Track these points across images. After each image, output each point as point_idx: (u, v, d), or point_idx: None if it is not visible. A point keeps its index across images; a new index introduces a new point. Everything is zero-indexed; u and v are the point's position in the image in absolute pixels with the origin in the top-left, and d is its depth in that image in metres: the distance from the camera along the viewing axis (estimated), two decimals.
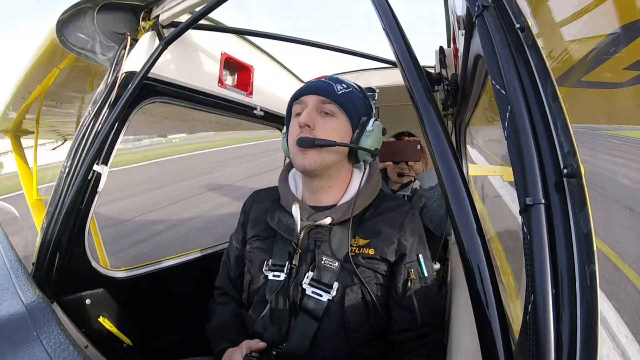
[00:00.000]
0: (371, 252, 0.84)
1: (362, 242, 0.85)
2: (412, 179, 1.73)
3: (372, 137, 0.86)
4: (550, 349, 0.33)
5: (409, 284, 0.83)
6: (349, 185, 0.91)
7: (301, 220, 0.87)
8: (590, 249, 0.34)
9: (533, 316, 0.35)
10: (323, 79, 0.89)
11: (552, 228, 0.37)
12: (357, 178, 0.92)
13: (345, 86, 0.88)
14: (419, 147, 1.41)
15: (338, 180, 0.90)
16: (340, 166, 0.89)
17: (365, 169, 0.91)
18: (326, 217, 0.85)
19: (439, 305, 0.88)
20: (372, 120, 0.88)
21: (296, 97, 0.90)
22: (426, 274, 0.85)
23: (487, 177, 1.42)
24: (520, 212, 0.40)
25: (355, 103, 0.88)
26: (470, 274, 0.43)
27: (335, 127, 0.85)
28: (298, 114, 0.87)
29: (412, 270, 0.84)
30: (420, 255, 0.86)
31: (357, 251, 0.84)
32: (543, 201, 0.38)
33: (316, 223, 0.86)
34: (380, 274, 0.84)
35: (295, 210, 0.87)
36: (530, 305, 0.36)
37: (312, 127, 0.83)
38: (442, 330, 0.87)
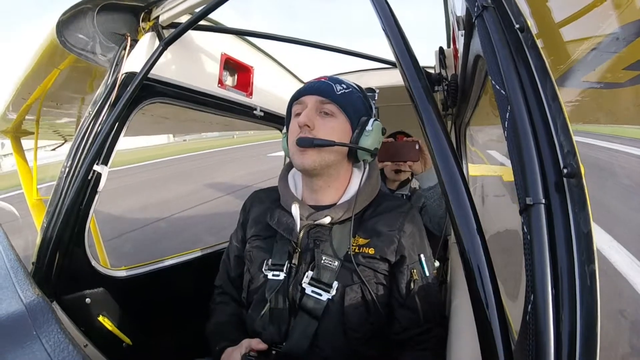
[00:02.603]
0: (371, 251, 0.84)
1: (362, 241, 0.85)
2: (410, 177, 1.73)
3: (371, 137, 0.86)
4: (550, 348, 0.33)
5: (412, 284, 0.83)
6: (349, 185, 0.91)
7: (301, 219, 0.87)
8: (590, 249, 0.34)
9: (533, 316, 0.35)
10: (323, 79, 0.89)
11: (552, 228, 0.37)
12: (357, 177, 0.92)
13: (344, 86, 0.88)
14: (417, 147, 1.41)
15: (337, 179, 0.91)
16: (339, 166, 0.89)
17: (364, 168, 0.91)
18: (325, 216, 0.85)
19: (439, 302, 0.88)
20: (371, 120, 0.88)
21: (296, 97, 0.90)
22: (428, 273, 0.86)
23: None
24: (521, 212, 0.40)
25: (354, 103, 0.88)
26: (470, 273, 0.43)
27: (334, 127, 0.85)
28: (298, 114, 0.87)
29: (415, 270, 0.84)
30: (421, 255, 0.86)
31: (357, 250, 0.84)
32: (543, 201, 0.38)
33: (316, 222, 0.86)
34: (380, 273, 0.84)
35: (295, 209, 0.87)
36: (530, 305, 0.36)
37: (312, 127, 0.83)
38: (444, 326, 0.87)
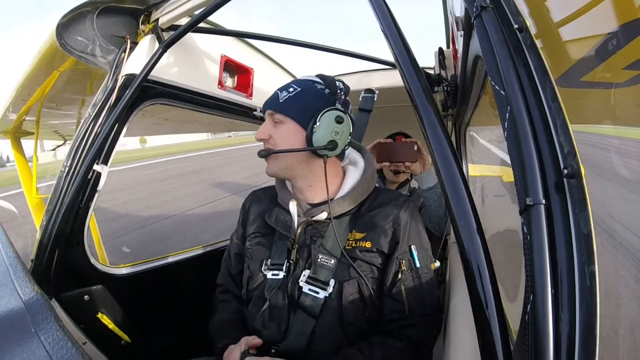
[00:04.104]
0: (368, 245, 0.84)
1: (358, 235, 0.86)
2: (409, 178, 1.73)
3: (319, 132, 0.83)
4: (549, 349, 0.33)
5: (399, 275, 0.83)
6: (344, 181, 0.92)
7: (298, 216, 0.89)
8: (590, 250, 0.34)
9: (532, 316, 0.35)
10: (278, 90, 0.89)
11: (552, 228, 0.37)
12: (353, 173, 0.93)
13: (292, 89, 0.86)
14: (415, 147, 1.41)
15: (315, 178, 0.90)
16: (309, 165, 0.88)
17: (359, 164, 0.93)
18: (322, 211, 0.87)
19: (432, 298, 0.85)
20: (321, 113, 0.84)
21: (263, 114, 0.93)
22: (418, 265, 0.84)
23: None
24: (520, 212, 0.39)
25: (299, 103, 0.85)
26: (470, 273, 0.43)
27: (284, 133, 0.86)
28: None
29: (404, 261, 0.84)
30: (412, 247, 0.85)
31: (353, 245, 0.85)
32: (543, 201, 0.37)
33: (313, 218, 0.88)
34: (376, 266, 0.84)
35: (293, 206, 0.89)
36: (529, 305, 0.36)
37: (267, 139, 0.87)
38: (432, 324, 0.85)
